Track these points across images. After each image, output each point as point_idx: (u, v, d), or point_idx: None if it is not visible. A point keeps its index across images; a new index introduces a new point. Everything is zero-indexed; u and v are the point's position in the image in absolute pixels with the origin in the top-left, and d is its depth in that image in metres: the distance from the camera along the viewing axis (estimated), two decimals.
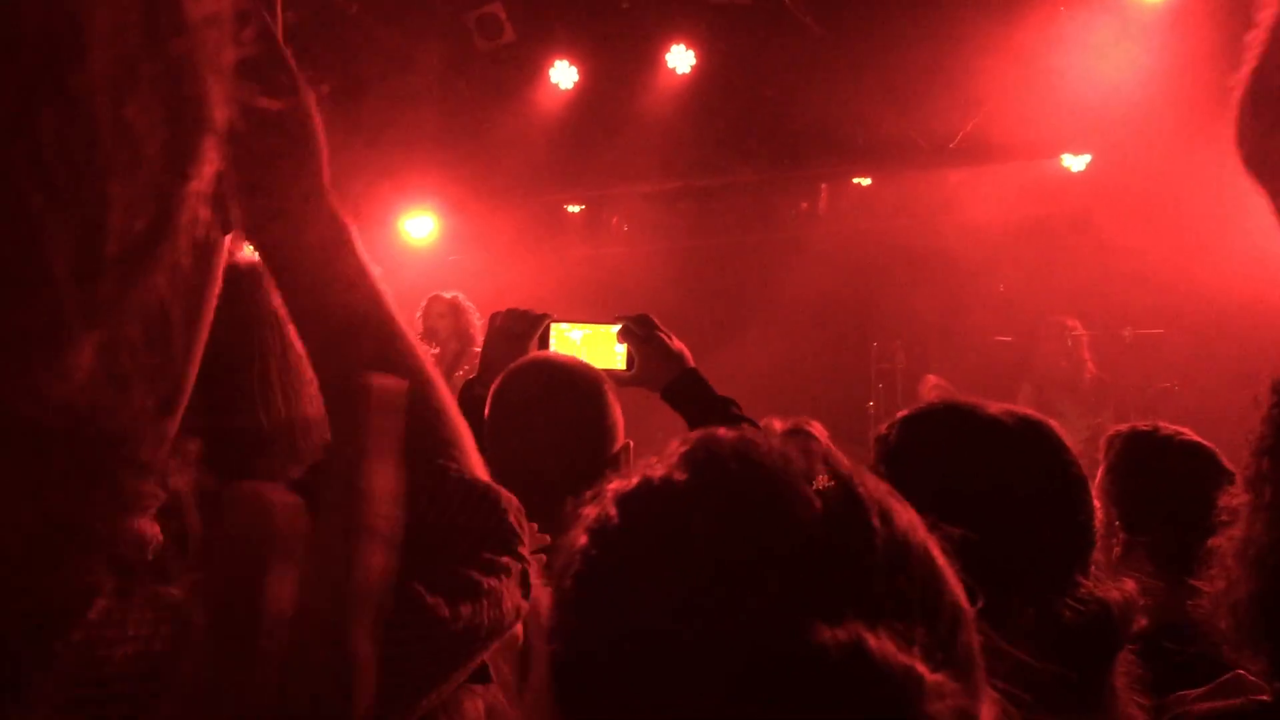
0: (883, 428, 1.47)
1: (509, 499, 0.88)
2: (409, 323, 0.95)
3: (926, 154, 8.10)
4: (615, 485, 0.76)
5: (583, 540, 0.74)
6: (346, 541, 0.36)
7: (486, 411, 2.01)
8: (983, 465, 1.30)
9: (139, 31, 0.25)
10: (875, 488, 0.73)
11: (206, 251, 0.32)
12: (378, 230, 8.78)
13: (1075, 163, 7.98)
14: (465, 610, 0.80)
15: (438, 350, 5.96)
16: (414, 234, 8.99)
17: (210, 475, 0.35)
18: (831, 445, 0.77)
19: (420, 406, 0.88)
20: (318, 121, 0.90)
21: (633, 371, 2.40)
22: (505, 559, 0.85)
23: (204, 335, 0.41)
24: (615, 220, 9.64)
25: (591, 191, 9.00)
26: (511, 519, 0.87)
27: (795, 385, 8.20)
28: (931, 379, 7.53)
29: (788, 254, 8.83)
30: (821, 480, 0.71)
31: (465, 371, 5.61)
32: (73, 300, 0.25)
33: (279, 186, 0.87)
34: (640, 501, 0.73)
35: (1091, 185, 7.91)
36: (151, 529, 0.34)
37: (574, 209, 9.37)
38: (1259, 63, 0.85)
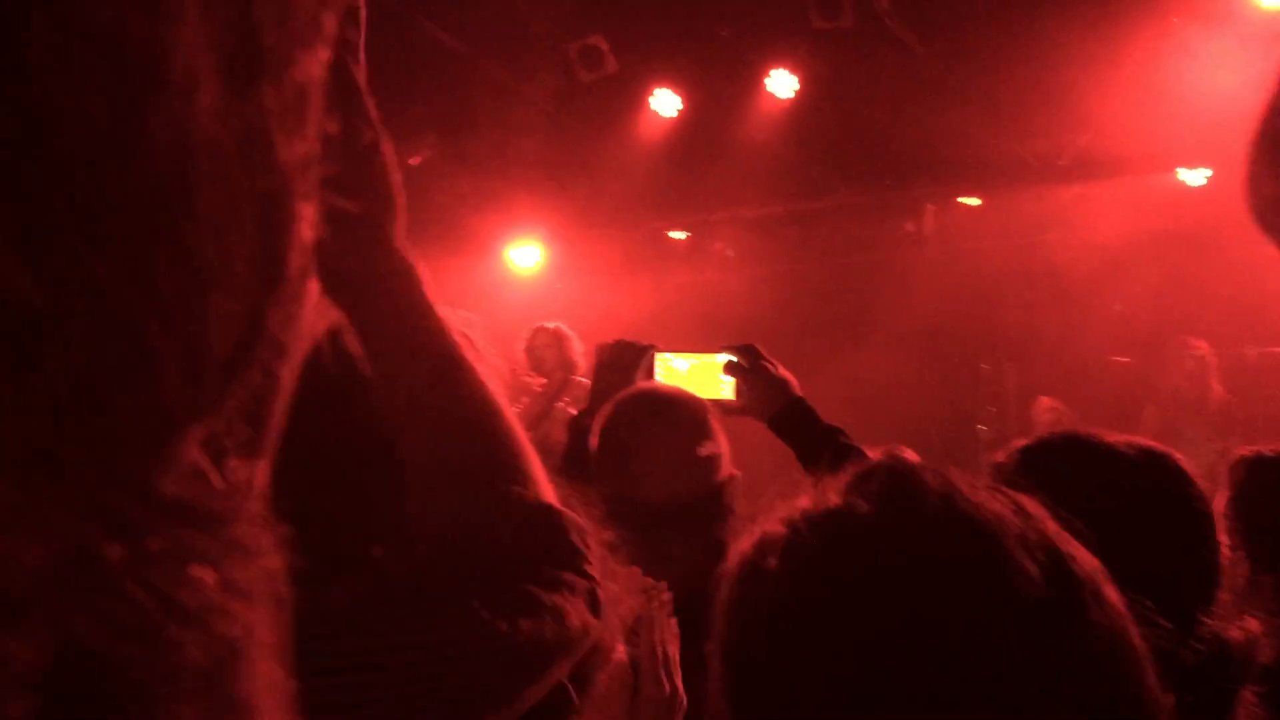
0: (1000, 456, 1.45)
1: (572, 519, 0.89)
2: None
3: (1036, 171, 7.94)
4: (803, 507, 0.75)
5: (772, 563, 0.73)
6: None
7: (592, 443, 2.04)
8: (1103, 499, 1.27)
9: (238, 176, 0.29)
10: (1088, 565, 0.71)
11: (295, 335, 0.35)
12: (484, 260, 8.94)
13: (1192, 177, 7.74)
14: (526, 626, 0.80)
15: (544, 380, 6.03)
16: (520, 263, 9.13)
17: (301, 555, 0.37)
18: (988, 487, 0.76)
19: (483, 433, 0.91)
20: (396, 174, 0.92)
21: (739, 401, 2.41)
22: (568, 576, 0.85)
23: (287, 404, 0.43)
24: (719, 246, 9.65)
25: (695, 218, 9.03)
26: (574, 538, 0.88)
27: (904, 409, 8.08)
28: (1045, 401, 7.36)
29: (894, 276, 8.72)
30: (1038, 553, 0.69)
31: (568, 401, 5.66)
32: (179, 402, 0.29)
33: (357, 237, 0.89)
34: (838, 533, 0.73)
35: (1212, 200, 7.65)
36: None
37: (678, 235, 9.41)
38: (1272, 107, 0.78)
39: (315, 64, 0.33)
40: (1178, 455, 1.34)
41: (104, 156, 0.26)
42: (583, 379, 5.48)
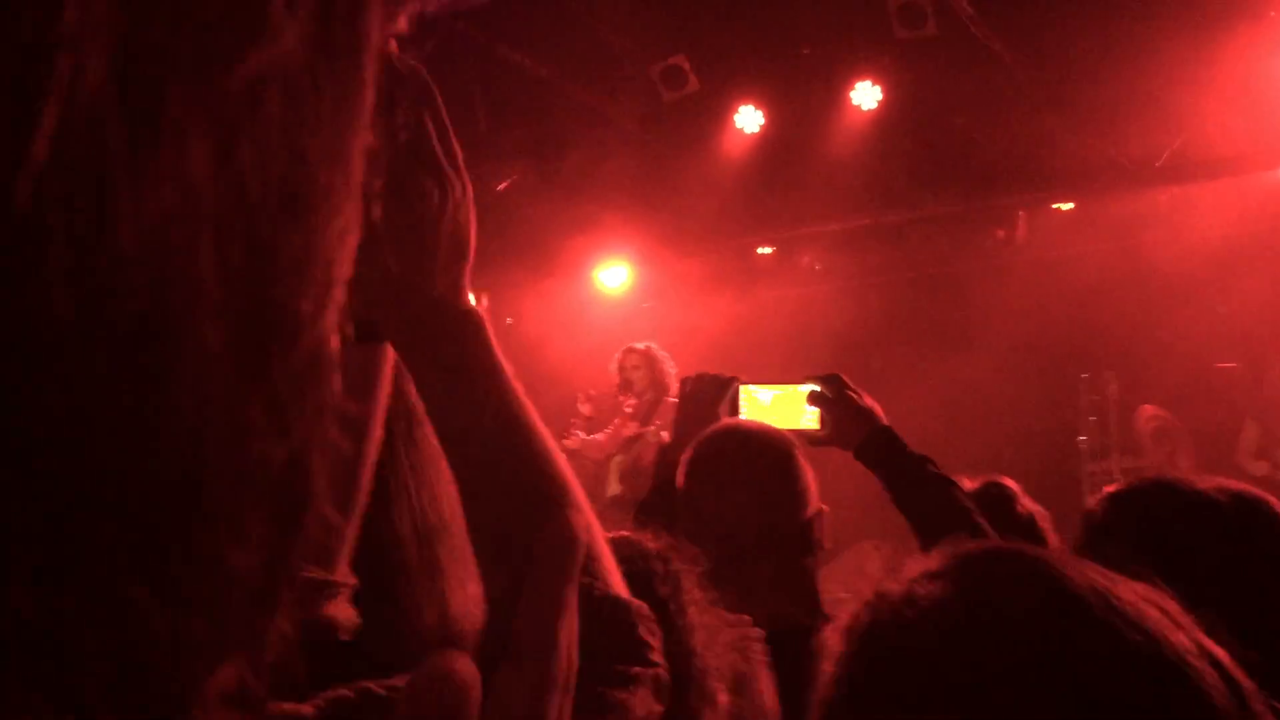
0: (1091, 502, 1.42)
1: (639, 609, 0.89)
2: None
3: (1131, 174, 7.75)
4: (935, 589, 0.74)
5: (918, 620, 0.72)
6: (534, 697, 0.39)
7: (679, 479, 2.05)
8: (1196, 550, 1.24)
9: (249, 446, 0.30)
10: (1242, 675, 0.70)
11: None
12: (573, 282, 9.02)
13: None
14: None
15: (635, 402, 6.06)
16: (608, 284, 9.19)
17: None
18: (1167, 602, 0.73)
19: (552, 513, 0.90)
20: (473, 221, 0.94)
21: (825, 431, 2.40)
22: (635, 670, 0.86)
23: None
24: (806, 260, 9.60)
25: (781, 233, 8.99)
26: (642, 631, 0.88)
27: (1001, 422, 7.94)
28: (1148, 410, 7.16)
29: (986, 285, 8.57)
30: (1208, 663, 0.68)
31: (659, 424, 5.67)
32: (204, 643, 0.30)
33: (418, 289, 0.90)
34: (990, 616, 0.71)
35: None
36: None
37: (765, 251, 9.38)
38: None
39: (329, 325, 0.33)
40: (1272, 500, 1.29)
41: (123, 448, 0.27)
42: (674, 399, 5.50)
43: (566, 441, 5.87)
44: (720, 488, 1.99)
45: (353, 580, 1.07)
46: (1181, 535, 1.26)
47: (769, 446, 2.03)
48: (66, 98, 0.26)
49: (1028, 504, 2.58)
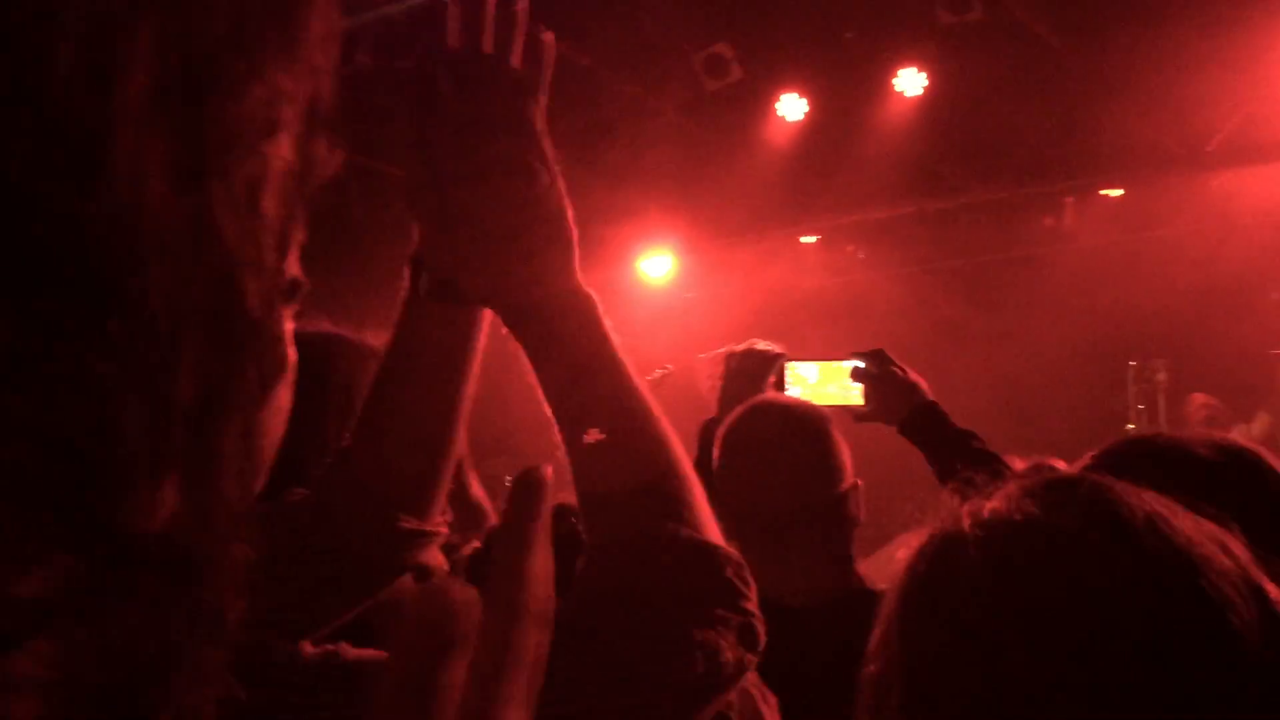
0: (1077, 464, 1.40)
1: (728, 555, 0.91)
2: (645, 380, 0.98)
3: (1182, 159, 7.64)
4: (993, 511, 0.75)
5: (967, 571, 0.74)
6: (509, 626, 0.41)
7: (715, 452, 2.06)
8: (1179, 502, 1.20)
9: (186, 256, 0.34)
10: None
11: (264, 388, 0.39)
12: (616, 271, 9.04)
13: None
14: (678, 668, 0.82)
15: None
16: (651, 274, 9.20)
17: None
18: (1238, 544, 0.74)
19: (650, 466, 0.92)
20: (569, 210, 0.96)
21: (870, 406, 2.40)
22: (723, 612, 0.87)
23: (276, 440, 0.48)
24: (851, 248, 9.56)
25: (825, 221, 8.96)
26: (731, 575, 0.90)
27: (1048, 409, 7.85)
28: (1199, 398, 7.06)
29: (1034, 272, 8.49)
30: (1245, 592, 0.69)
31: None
32: (146, 452, 0.33)
33: (539, 273, 0.94)
34: (1040, 546, 0.72)
35: None
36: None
37: (809, 239, 9.35)
38: None
39: (273, 158, 0.36)
40: (1261, 451, 1.25)
41: (61, 231, 0.31)
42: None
43: None
44: (753, 462, 1.99)
45: (445, 529, 1.11)
46: (1164, 489, 1.23)
47: (802, 420, 2.03)
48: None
49: None
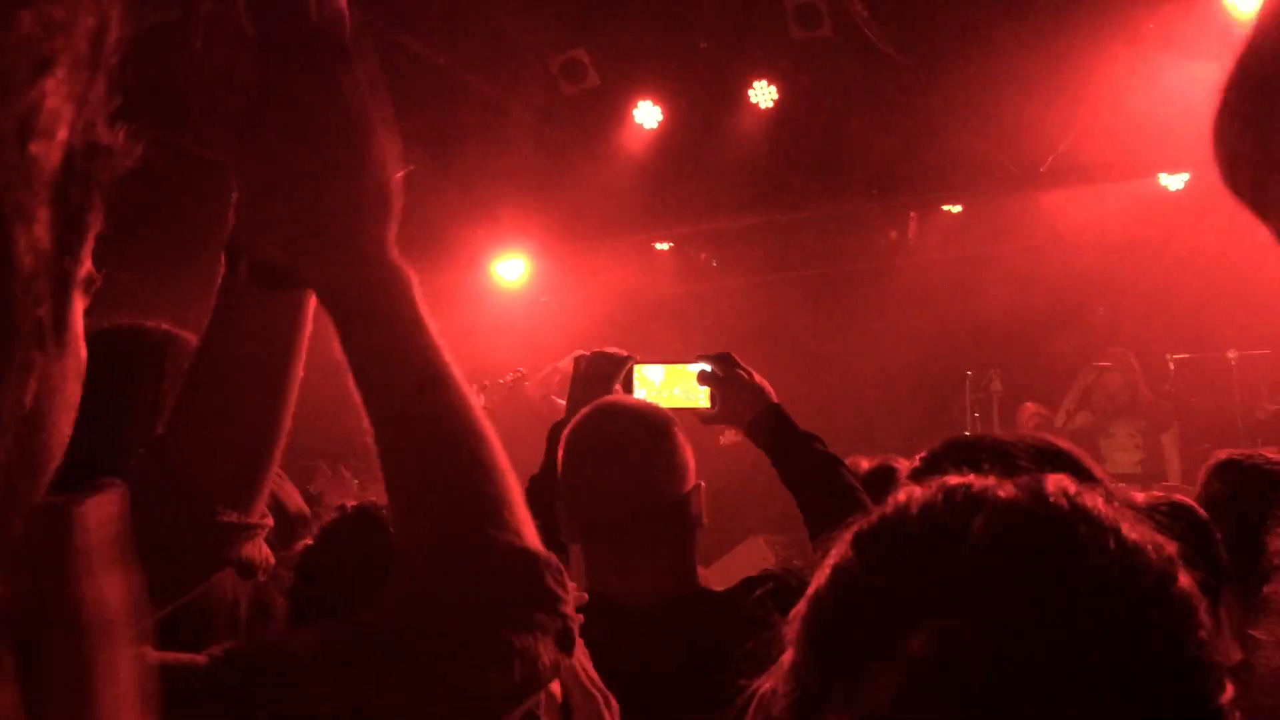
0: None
1: (548, 560, 0.89)
2: (464, 372, 0.96)
3: (1018, 178, 7.99)
4: (948, 491, 0.76)
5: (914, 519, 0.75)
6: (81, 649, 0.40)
7: (558, 454, 2.05)
8: None
9: None
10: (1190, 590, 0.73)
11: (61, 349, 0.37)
12: (470, 273, 8.94)
13: (1173, 181, 7.79)
14: (495, 676, 0.82)
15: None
16: (505, 276, 9.14)
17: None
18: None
19: (470, 467, 0.90)
20: (393, 186, 0.94)
21: (716, 409, 2.42)
22: (540, 616, 0.86)
23: (70, 412, 0.46)
24: (704, 256, 9.68)
25: (679, 229, 9.06)
26: (551, 581, 0.89)
27: (888, 416, 8.10)
28: (1030, 407, 7.38)
29: (878, 283, 8.76)
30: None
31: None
32: None
33: (360, 249, 0.91)
34: (1012, 523, 0.73)
35: (1191, 204, 7.71)
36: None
37: (662, 246, 9.44)
38: (1250, 50, 0.67)
39: (49, 97, 0.34)
40: (1072, 448, 1.32)
41: None
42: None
43: None
44: (598, 463, 1.98)
45: (269, 522, 1.07)
46: None
47: (644, 422, 2.03)
48: None
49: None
